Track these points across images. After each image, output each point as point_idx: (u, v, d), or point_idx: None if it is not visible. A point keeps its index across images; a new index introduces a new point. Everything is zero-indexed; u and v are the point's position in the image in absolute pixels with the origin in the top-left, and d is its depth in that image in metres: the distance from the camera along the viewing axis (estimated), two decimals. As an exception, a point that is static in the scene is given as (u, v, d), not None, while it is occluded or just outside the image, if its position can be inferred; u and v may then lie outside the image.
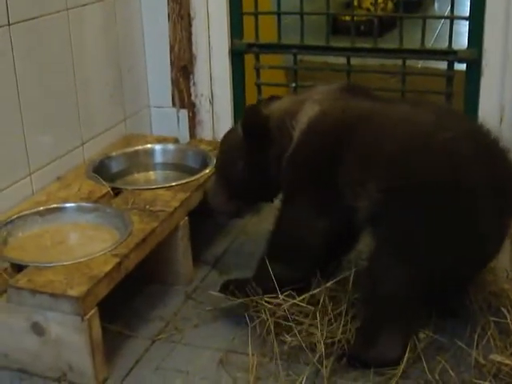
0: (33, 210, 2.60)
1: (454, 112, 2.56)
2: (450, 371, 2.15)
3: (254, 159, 2.48)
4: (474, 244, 2.13)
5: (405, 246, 2.13)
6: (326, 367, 2.18)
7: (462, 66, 3.24)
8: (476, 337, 2.25)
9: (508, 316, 2.30)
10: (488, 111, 3.16)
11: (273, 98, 2.60)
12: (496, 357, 2.20)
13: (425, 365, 2.17)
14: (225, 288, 2.48)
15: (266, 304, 2.34)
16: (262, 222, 2.91)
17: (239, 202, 2.63)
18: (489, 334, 2.27)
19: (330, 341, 2.26)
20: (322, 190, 2.31)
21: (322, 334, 2.27)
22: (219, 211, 2.67)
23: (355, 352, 2.22)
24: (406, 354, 2.18)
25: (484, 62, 3.11)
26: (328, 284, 2.39)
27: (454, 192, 2.06)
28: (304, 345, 2.26)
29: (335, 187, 2.24)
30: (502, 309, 2.33)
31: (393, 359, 2.18)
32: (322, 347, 2.23)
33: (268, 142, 2.43)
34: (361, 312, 2.31)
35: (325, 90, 2.48)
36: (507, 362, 2.17)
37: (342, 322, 2.31)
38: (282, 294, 2.34)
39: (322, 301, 2.36)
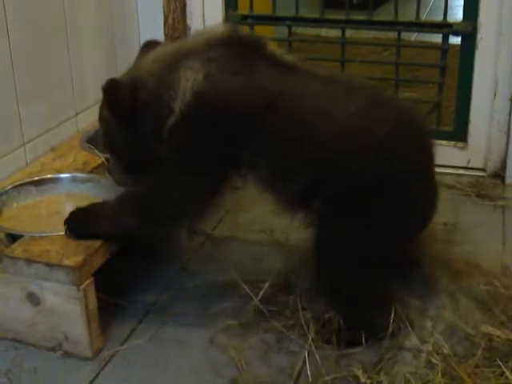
0: (27, 180, 2.59)
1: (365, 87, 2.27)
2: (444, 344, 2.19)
3: (129, 135, 2.26)
4: (417, 218, 2.25)
5: (355, 243, 2.14)
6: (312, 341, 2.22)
7: (456, 40, 3.23)
8: (462, 309, 2.34)
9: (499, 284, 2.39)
10: (482, 85, 3.16)
11: (146, 48, 2.35)
12: (487, 328, 2.23)
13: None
14: (69, 220, 2.28)
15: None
16: (257, 193, 2.90)
17: (135, 175, 2.39)
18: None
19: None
20: (210, 170, 2.19)
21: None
22: (122, 185, 2.44)
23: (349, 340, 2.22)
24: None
25: (479, 36, 3.11)
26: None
27: (395, 180, 2.12)
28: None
29: (229, 169, 2.19)
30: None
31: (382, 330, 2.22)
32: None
33: (139, 116, 2.20)
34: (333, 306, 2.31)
35: (203, 47, 2.16)
36: (498, 333, 2.20)
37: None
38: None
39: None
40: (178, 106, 2.12)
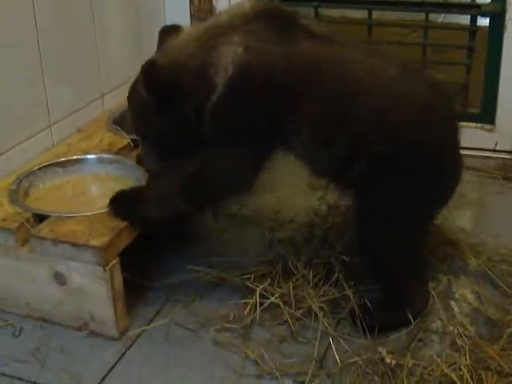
0: (54, 161, 2.61)
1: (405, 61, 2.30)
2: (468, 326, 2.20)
3: (167, 117, 2.22)
4: (447, 190, 2.25)
5: (397, 208, 2.14)
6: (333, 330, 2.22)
7: (484, 22, 3.20)
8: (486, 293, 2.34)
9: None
10: (510, 66, 3.13)
11: (167, 33, 2.31)
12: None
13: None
14: (114, 203, 2.28)
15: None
16: (279, 175, 2.90)
17: (167, 161, 2.36)
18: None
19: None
20: (258, 141, 2.18)
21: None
22: (154, 172, 2.41)
23: (386, 319, 2.23)
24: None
25: (508, 16, 3.07)
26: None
27: (431, 150, 2.11)
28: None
29: (275, 138, 2.17)
30: None
31: (422, 309, 2.25)
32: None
33: (180, 95, 2.16)
34: (375, 282, 2.32)
35: (238, 21, 2.15)
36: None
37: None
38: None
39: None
40: (221, 81, 2.10)
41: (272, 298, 2.29)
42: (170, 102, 2.18)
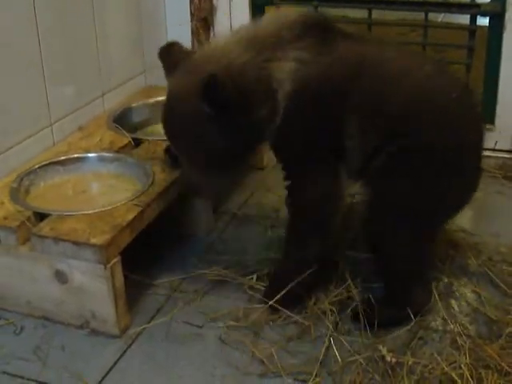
0: (54, 160, 2.61)
1: (437, 61, 2.43)
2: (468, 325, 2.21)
3: (223, 130, 2.13)
4: (465, 194, 2.24)
5: (414, 206, 2.15)
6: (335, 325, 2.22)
7: (484, 21, 3.20)
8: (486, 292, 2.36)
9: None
10: (510, 66, 3.13)
11: (169, 53, 2.31)
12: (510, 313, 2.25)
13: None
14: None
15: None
16: (279, 173, 2.89)
17: (217, 177, 2.35)
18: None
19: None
20: (329, 154, 2.19)
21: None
22: (201, 192, 2.46)
23: (387, 315, 2.24)
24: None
25: (507, 16, 3.07)
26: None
27: (456, 151, 2.12)
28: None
29: (340, 148, 2.17)
30: None
31: (423, 307, 2.26)
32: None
33: (241, 108, 2.10)
34: (381, 277, 2.33)
35: (286, 34, 2.15)
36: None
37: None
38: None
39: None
40: (283, 98, 2.12)
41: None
42: (229, 114, 2.10)
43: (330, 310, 2.27)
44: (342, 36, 2.19)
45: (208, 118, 2.10)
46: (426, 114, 2.09)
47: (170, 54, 2.31)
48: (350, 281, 2.36)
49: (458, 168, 2.15)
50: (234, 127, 2.13)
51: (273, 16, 2.33)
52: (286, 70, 2.11)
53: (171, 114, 2.23)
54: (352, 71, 2.12)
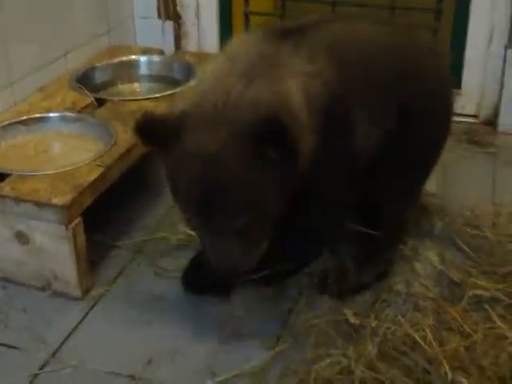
0: (15, 120, 2.56)
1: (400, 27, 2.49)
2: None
3: (283, 176, 1.86)
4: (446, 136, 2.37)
5: (417, 158, 2.22)
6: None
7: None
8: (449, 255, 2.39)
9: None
10: (477, 31, 3.13)
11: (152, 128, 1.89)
12: (473, 274, 2.26)
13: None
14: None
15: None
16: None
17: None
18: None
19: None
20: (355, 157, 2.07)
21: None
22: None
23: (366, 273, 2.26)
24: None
25: (476, -21, 3.07)
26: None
27: (440, 97, 2.26)
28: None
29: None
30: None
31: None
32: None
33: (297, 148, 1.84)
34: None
35: (266, 61, 1.93)
36: (483, 281, 2.22)
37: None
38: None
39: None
40: (311, 117, 1.92)
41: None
42: (294, 158, 1.86)
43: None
44: (311, 31, 2.04)
45: (273, 163, 1.82)
46: (412, 76, 2.14)
47: (153, 128, 1.90)
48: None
49: (443, 112, 2.29)
50: (293, 174, 1.89)
51: (242, 40, 2.10)
52: (298, 86, 1.90)
53: (216, 177, 1.82)
54: (351, 70, 2.01)
